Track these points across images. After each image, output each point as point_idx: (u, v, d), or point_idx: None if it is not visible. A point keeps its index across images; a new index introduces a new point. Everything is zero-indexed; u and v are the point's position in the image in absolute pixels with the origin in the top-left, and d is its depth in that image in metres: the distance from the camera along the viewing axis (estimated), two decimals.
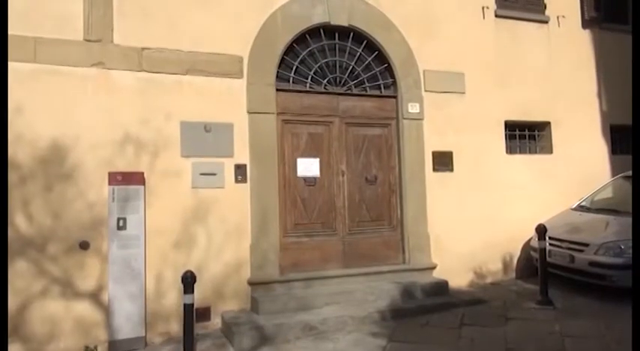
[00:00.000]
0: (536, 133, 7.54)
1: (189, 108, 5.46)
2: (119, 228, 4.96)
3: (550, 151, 7.43)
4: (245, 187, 5.65)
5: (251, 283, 5.55)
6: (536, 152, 7.48)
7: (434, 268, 6.34)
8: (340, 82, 6.33)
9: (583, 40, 7.79)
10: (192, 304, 4.19)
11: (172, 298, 5.14)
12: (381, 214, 6.41)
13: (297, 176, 6.03)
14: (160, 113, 5.33)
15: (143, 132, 5.25)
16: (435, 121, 6.63)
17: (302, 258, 5.94)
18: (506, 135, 7.15)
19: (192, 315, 4.20)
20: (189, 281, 4.16)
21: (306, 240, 6.00)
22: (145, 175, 5.18)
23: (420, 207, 6.45)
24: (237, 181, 5.61)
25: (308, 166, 6.08)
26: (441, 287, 6.03)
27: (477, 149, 6.85)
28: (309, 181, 6.07)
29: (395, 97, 6.53)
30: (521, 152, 7.37)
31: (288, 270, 5.83)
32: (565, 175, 7.29)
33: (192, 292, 4.18)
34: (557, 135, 7.42)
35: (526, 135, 7.47)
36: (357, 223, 6.28)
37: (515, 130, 7.34)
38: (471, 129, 6.83)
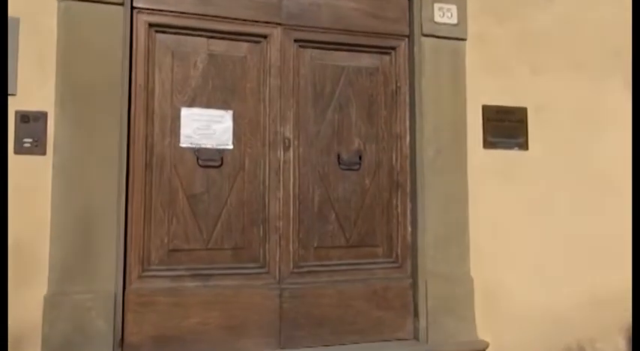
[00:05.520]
0: None
1: None
2: None
3: None
4: (42, 165, 2.55)
5: None
6: None
7: None
8: None
9: None
10: None
11: None
12: (369, 233, 3.08)
13: (179, 146, 2.83)
14: None
15: None
16: (490, 43, 3.27)
17: (181, 326, 2.71)
18: None
19: None
20: None
21: (194, 286, 2.77)
22: None
23: (455, 221, 3.08)
24: (19, 150, 2.52)
25: (206, 127, 2.86)
26: None
27: (579, 106, 3.41)
28: (207, 158, 2.85)
29: None
30: None
31: None
32: None
33: None
34: None
35: None
36: (315, 250, 2.99)
37: None
38: (568, 64, 3.40)
